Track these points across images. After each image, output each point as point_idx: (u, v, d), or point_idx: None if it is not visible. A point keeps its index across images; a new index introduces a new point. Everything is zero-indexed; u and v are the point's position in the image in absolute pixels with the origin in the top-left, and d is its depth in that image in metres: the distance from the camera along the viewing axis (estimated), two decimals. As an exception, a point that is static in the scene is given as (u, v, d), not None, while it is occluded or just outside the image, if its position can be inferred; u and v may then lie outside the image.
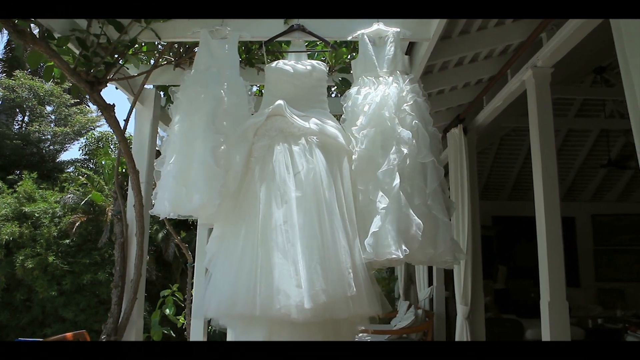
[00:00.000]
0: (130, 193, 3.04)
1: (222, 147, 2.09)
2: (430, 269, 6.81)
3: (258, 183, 2.04)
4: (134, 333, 2.97)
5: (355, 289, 1.84)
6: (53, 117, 17.97)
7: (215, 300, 1.93)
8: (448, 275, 6.32)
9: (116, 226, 3.06)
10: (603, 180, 8.87)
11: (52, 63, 2.44)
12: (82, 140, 16.38)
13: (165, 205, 2.04)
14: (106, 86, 2.64)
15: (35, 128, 16.71)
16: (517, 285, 8.22)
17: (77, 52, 2.55)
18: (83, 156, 16.05)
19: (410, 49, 3.03)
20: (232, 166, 2.09)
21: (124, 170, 3.55)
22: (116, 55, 2.66)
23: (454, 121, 4.85)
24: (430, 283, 6.82)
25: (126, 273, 2.98)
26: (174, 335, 4.66)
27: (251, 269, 1.86)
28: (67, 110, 17.67)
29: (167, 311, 3.99)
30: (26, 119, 17.76)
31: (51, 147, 17.41)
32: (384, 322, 6.78)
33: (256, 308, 1.80)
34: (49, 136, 17.19)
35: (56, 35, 2.46)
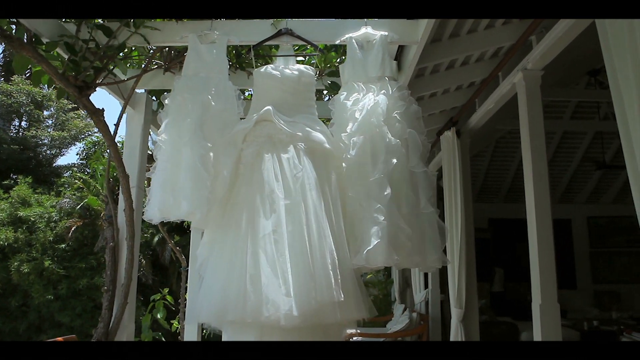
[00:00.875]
0: (121, 197, 3.04)
1: (210, 154, 2.10)
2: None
3: (247, 190, 2.04)
4: (125, 337, 2.96)
5: (343, 295, 1.84)
6: (50, 121, 18.00)
7: (206, 305, 1.93)
8: (443, 278, 6.29)
9: (107, 230, 3.06)
10: (599, 182, 8.88)
11: (40, 68, 2.43)
12: (80, 145, 16.39)
13: (155, 211, 2.06)
14: (95, 91, 2.63)
15: (33, 133, 16.71)
16: (514, 287, 8.20)
17: (66, 57, 2.54)
18: (80, 161, 16.05)
19: (400, 52, 3.03)
20: (220, 172, 2.09)
21: (115, 174, 3.54)
22: (105, 60, 2.65)
23: (447, 124, 4.85)
24: (426, 286, 6.80)
25: (117, 277, 2.97)
26: (164, 339, 4.64)
27: (241, 277, 1.86)
28: (64, 115, 17.70)
29: (159, 315, 3.97)
30: (23, 123, 17.77)
31: (48, 152, 17.41)
32: (380, 325, 6.76)
33: (247, 315, 1.81)
34: (46, 141, 17.20)
35: (44, 40, 2.46)
